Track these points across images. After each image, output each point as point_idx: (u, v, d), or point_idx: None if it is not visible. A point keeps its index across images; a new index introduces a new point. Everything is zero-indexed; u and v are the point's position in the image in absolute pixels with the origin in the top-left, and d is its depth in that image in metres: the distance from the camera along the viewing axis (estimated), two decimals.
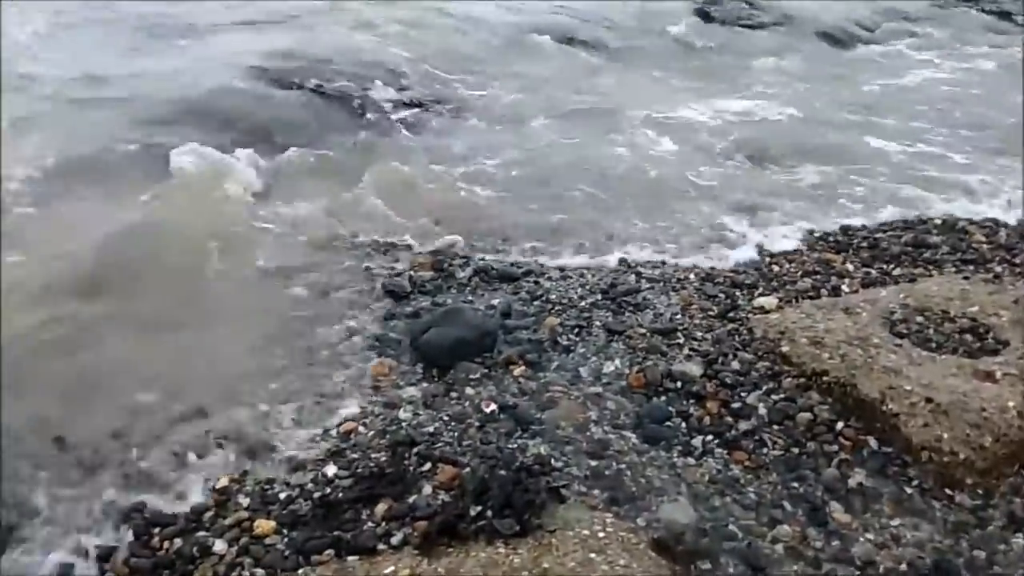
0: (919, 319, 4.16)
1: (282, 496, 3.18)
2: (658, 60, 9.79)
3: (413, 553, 2.83)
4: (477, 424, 3.55)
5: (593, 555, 2.73)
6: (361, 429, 3.54)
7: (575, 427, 3.55)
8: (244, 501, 3.16)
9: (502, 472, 3.14)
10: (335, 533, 2.97)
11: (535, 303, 4.53)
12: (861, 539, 3.05)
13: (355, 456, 3.37)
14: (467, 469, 3.24)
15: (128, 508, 3.11)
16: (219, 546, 2.94)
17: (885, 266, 5.01)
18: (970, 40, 11.49)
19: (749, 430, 3.57)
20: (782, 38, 11.08)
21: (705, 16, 11.76)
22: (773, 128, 7.51)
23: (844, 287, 4.73)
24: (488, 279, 4.78)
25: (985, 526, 3.14)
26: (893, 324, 4.11)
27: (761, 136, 7.23)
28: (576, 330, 4.28)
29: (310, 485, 3.22)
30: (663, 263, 5.09)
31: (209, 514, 3.10)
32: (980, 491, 3.27)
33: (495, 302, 4.51)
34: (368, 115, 7.14)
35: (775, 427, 3.59)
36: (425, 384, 3.86)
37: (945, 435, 3.36)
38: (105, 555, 2.93)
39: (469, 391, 3.79)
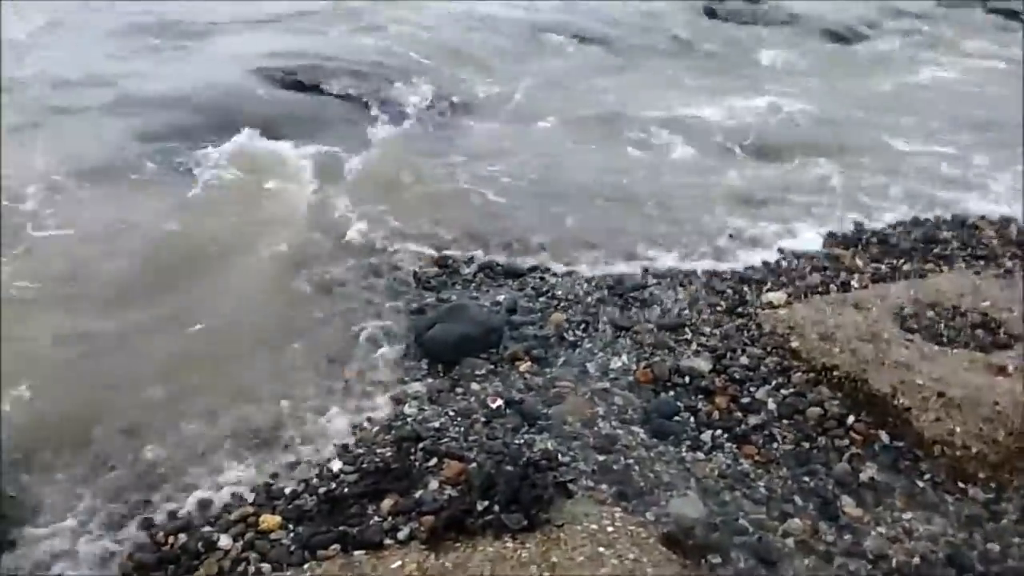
0: (930, 314, 4.12)
1: (287, 491, 3.15)
2: (668, 57, 9.76)
3: (420, 548, 2.80)
4: (483, 419, 3.52)
5: (602, 549, 2.70)
6: (366, 424, 3.52)
7: (582, 422, 3.52)
8: (249, 496, 3.13)
9: (509, 467, 3.11)
10: (341, 528, 2.94)
11: (541, 299, 4.50)
12: (873, 533, 3.02)
13: (360, 451, 3.34)
14: (473, 464, 3.21)
15: (135, 503, 3.09)
16: (224, 541, 2.92)
17: (895, 261, 4.97)
18: (977, 39, 11.43)
19: (759, 425, 3.54)
20: (788, 36, 11.04)
21: (711, 13, 11.75)
22: (789, 128, 7.46)
23: (854, 283, 4.69)
24: (493, 275, 4.75)
25: (998, 519, 3.10)
26: (904, 319, 4.08)
27: (777, 136, 7.17)
28: (582, 326, 4.25)
29: (315, 480, 3.20)
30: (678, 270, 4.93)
31: (215, 509, 3.08)
32: (993, 485, 3.24)
33: (500, 298, 4.48)
34: (377, 114, 7.12)
35: (785, 422, 3.56)
36: (430, 380, 3.84)
37: (958, 429, 3.32)
38: (111, 550, 2.91)
39: (475, 387, 3.76)
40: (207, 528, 2.99)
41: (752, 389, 3.74)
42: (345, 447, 3.38)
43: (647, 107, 7.68)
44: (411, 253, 4.92)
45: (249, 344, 4.02)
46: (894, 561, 2.90)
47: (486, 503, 2.91)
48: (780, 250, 5.14)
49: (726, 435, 3.49)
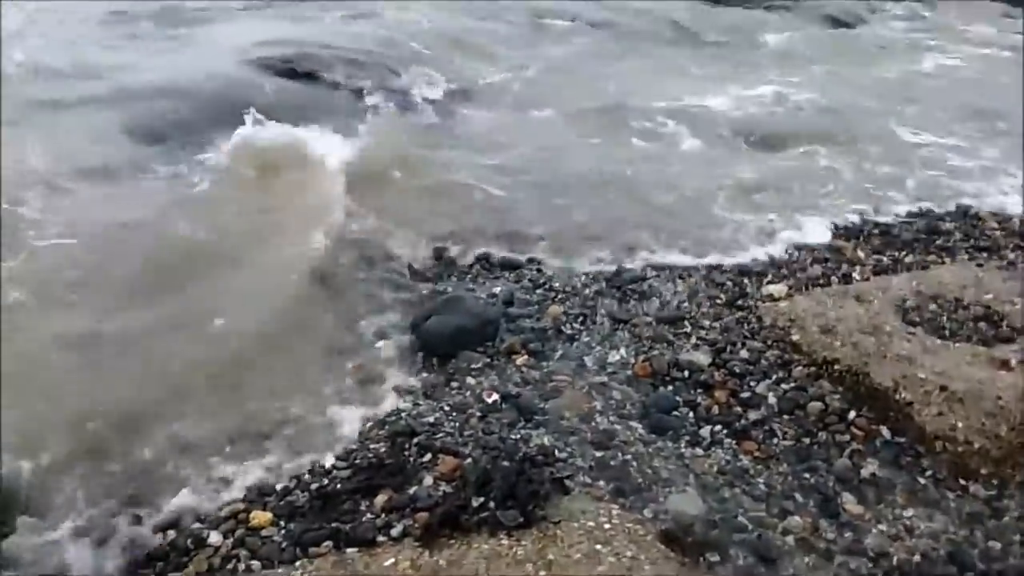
0: (932, 307, 4.07)
1: (279, 487, 3.11)
2: (669, 44, 9.68)
3: (414, 545, 2.75)
4: (479, 414, 3.47)
5: (599, 546, 2.65)
6: (369, 421, 3.47)
7: (580, 417, 3.47)
8: (240, 493, 3.09)
9: (505, 463, 3.06)
10: (333, 525, 2.90)
11: (538, 291, 4.45)
12: (874, 530, 2.97)
13: (353, 447, 3.30)
14: (469, 460, 3.16)
15: (126, 500, 3.04)
16: (214, 538, 2.87)
17: (897, 253, 4.92)
18: (979, 25, 11.34)
19: (759, 420, 3.49)
20: (789, 20, 10.96)
21: None
22: (794, 117, 7.39)
23: (855, 274, 4.64)
24: (490, 266, 4.70)
25: (1000, 516, 3.06)
26: (906, 312, 4.02)
27: (783, 126, 7.09)
28: (580, 319, 4.20)
29: (307, 476, 3.15)
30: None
31: (205, 505, 3.03)
32: (995, 481, 3.18)
33: (497, 290, 4.42)
34: (375, 103, 7.04)
35: (785, 417, 3.51)
36: (425, 373, 3.79)
37: (960, 424, 3.27)
38: (101, 547, 2.86)
39: (470, 380, 3.71)
40: (197, 525, 2.94)
41: (752, 383, 3.69)
42: (339, 442, 3.33)
43: (650, 96, 7.60)
44: (407, 244, 4.86)
45: (247, 340, 3.95)
46: (895, 559, 2.85)
47: (481, 499, 2.86)
48: (795, 245, 5.05)
49: (725, 430, 3.44)
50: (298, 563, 2.73)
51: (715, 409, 3.55)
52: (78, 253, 4.52)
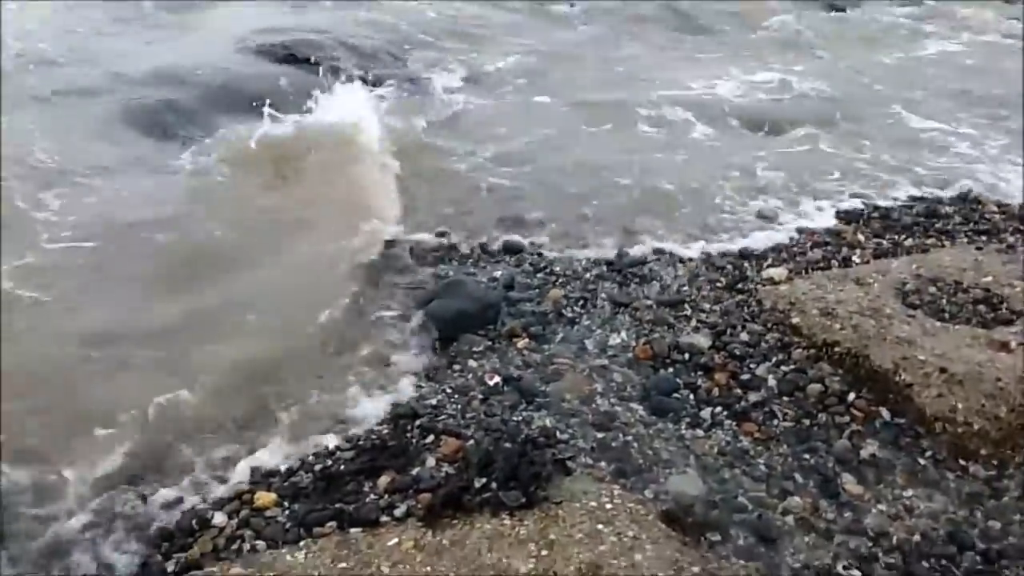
0: (932, 289, 4.08)
1: (283, 468, 3.12)
2: (673, 28, 9.60)
3: (417, 525, 2.77)
4: (481, 396, 3.49)
5: (601, 526, 2.67)
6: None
7: (581, 399, 3.49)
8: (245, 474, 3.10)
9: (507, 444, 3.07)
10: (337, 505, 2.91)
11: (539, 275, 4.46)
12: (874, 510, 2.99)
13: (356, 429, 3.31)
14: (471, 442, 3.18)
15: (131, 481, 3.06)
16: (219, 518, 2.89)
17: (896, 237, 4.92)
18: (979, 11, 11.27)
19: (759, 402, 3.51)
20: (787, 4, 10.87)
21: None
22: (799, 103, 7.34)
23: (855, 258, 4.64)
24: (491, 251, 4.70)
25: (1000, 497, 3.08)
26: (905, 295, 4.03)
27: (787, 111, 7.06)
28: (581, 302, 4.21)
29: (311, 457, 3.17)
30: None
31: (210, 486, 3.05)
32: (994, 462, 3.20)
33: (498, 274, 4.43)
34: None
35: (785, 398, 3.53)
36: (427, 357, 3.79)
37: (960, 405, 3.29)
38: (106, 531, 2.87)
39: (472, 363, 3.73)
40: (201, 505, 2.96)
41: (752, 366, 3.71)
42: (342, 424, 3.35)
43: (654, 81, 7.58)
44: (410, 229, 4.86)
45: (251, 324, 3.96)
46: (895, 538, 2.88)
47: (484, 480, 2.88)
48: (798, 229, 5.04)
49: (726, 412, 3.45)
50: (302, 543, 2.75)
51: (715, 391, 3.57)
52: (96, 252, 4.46)
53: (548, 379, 3.61)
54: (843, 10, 10.89)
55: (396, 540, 2.70)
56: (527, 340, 3.89)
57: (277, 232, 4.74)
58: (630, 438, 3.27)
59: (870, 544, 2.86)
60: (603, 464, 3.11)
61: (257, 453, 3.21)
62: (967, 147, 6.47)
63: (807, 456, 3.24)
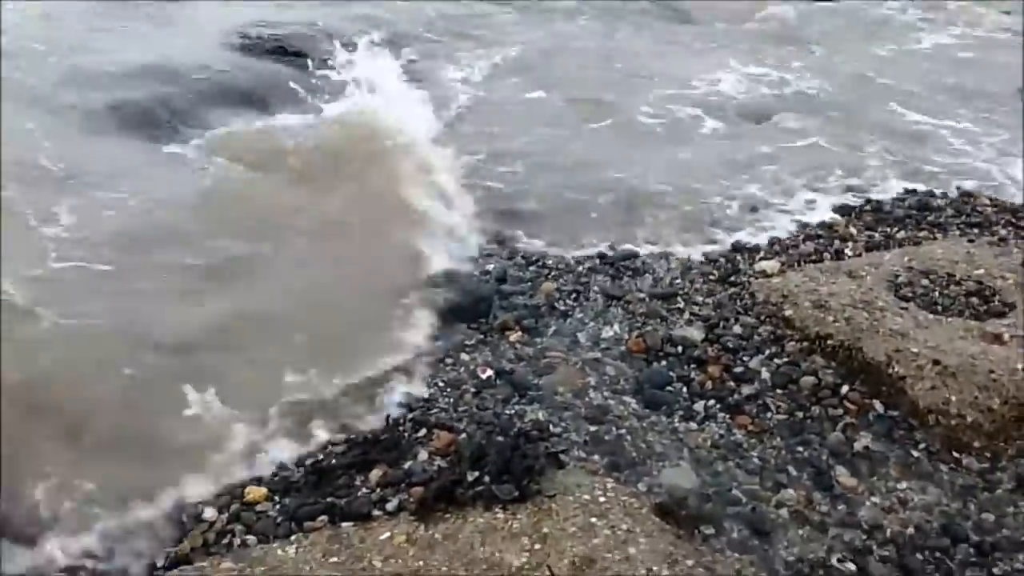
0: (924, 282, 4.07)
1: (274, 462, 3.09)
2: (669, 20, 9.52)
3: (409, 519, 2.75)
4: (473, 390, 3.47)
5: (594, 520, 2.66)
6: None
7: (574, 392, 3.48)
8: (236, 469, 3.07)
9: (499, 438, 3.06)
10: (328, 499, 2.89)
11: (531, 268, 4.44)
12: (868, 503, 2.99)
13: (348, 423, 3.28)
14: (464, 435, 3.16)
15: (121, 475, 3.02)
16: (209, 513, 2.86)
17: (889, 229, 4.91)
18: (972, 4, 11.26)
19: (752, 394, 3.50)
20: None
21: None
22: (794, 96, 7.30)
23: (847, 251, 4.63)
24: (484, 243, 4.66)
25: (993, 489, 3.08)
26: (898, 287, 4.03)
27: (781, 105, 7.02)
28: (574, 295, 4.19)
29: (302, 451, 3.14)
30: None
31: (200, 481, 3.01)
32: (988, 454, 3.21)
33: (490, 267, 4.41)
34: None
35: (778, 391, 3.52)
36: (420, 350, 3.76)
37: (953, 398, 3.29)
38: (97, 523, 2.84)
39: (464, 357, 3.71)
40: (192, 500, 2.93)
41: (745, 358, 3.70)
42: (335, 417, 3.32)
43: (655, 75, 7.52)
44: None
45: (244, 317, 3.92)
46: (888, 531, 2.87)
47: (476, 474, 2.86)
48: (791, 222, 5.03)
49: (719, 405, 3.45)
50: (293, 537, 2.73)
51: (709, 384, 3.56)
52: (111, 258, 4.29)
53: (541, 372, 3.60)
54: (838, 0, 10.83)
55: (388, 534, 2.68)
56: (520, 333, 3.87)
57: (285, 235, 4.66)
58: (623, 431, 3.25)
59: (864, 537, 2.85)
60: (596, 457, 3.10)
61: (252, 448, 3.17)
62: (962, 143, 6.46)
63: (801, 449, 3.23)
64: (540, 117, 6.59)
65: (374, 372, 3.59)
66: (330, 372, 3.54)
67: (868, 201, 5.31)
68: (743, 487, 3.03)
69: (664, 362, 3.70)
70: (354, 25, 8.25)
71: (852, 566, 2.73)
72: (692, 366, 3.67)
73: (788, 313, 3.90)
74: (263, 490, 2.95)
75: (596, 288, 4.25)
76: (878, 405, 3.41)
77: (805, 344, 3.74)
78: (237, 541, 2.75)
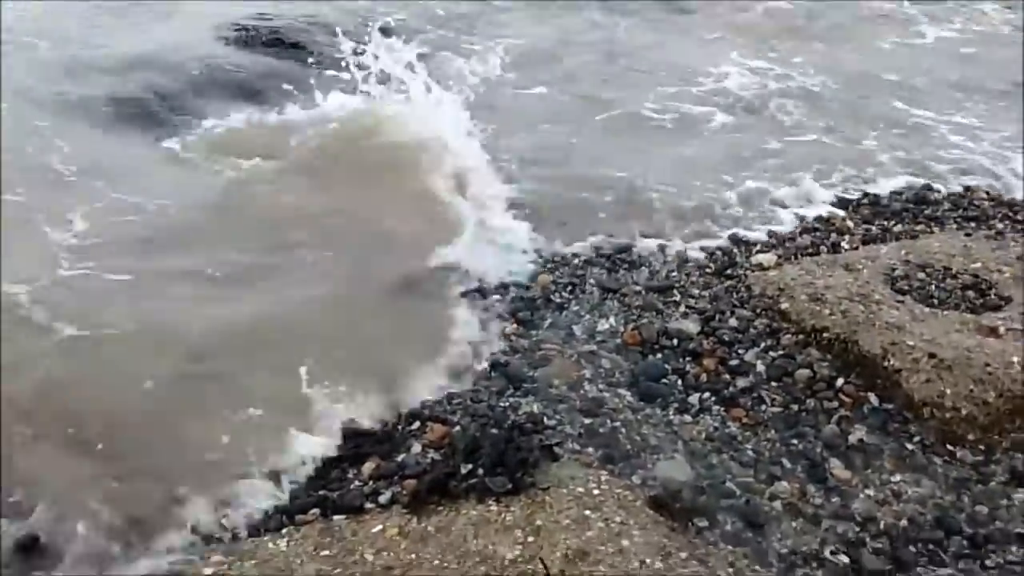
0: (921, 275, 4.06)
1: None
2: (670, 11, 9.48)
3: (402, 512, 2.75)
4: None
5: (588, 512, 2.65)
6: None
7: (568, 385, 3.47)
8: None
9: (494, 430, 3.05)
10: (321, 492, 2.89)
11: (528, 260, 4.41)
12: (861, 495, 2.99)
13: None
14: (457, 428, 3.15)
15: (120, 469, 3.01)
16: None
17: (886, 223, 4.89)
18: None
19: (747, 387, 3.49)
20: None
21: None
22: (796, 90, 7.26)
23: (844, 244, 4.62)
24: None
25: (987, 482, 3.08)
26: (894, 280, 4.02)
27: (783, 98, 6.98)
28: (569, 288, 4.18)
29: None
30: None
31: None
32: (982, 447, 3.21)
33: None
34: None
35: (774, 384, 3.51)
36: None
37: (948, 391, 3.29)
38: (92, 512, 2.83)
39: None
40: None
41: (741, 351, 3.69)
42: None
43: (658, 69, 7.48)
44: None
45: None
46: (882, 523, 2.87)
47: (470, 466, 2.85)
48: (801, 217, 5.00)
49: (714, 398, 3.44)
50: (284, 531, 2.73)
51: (704, 377, 3.55)
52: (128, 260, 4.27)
53: (536, 364, 3.59)
54: None
55: (380, 527, 2.68)
56: (515, 325, 3.86)
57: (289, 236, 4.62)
58: (618, 424, 3.25)
59: (858, 529, 2.85)
60: (591, 450, 3.10)
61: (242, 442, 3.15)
62: (964, 138, 6.42)
63: (795, 441, 3.23)
64: (543, 111, 6.54)
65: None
66: (346, 378, 3.49)
67: (866, 195, 5.28)
68: (737, 480, 3.03)
69: (659, 355, 3.69)
70: (355, 18, 8.20)
71: (845, 558, 2.73)
72: (687, 359, 3.66)
73: (784, 306, 3.89)
74: None
75: (592, 281, 4.23)
76: (873, 398, 3.41)
77: (801, 337, 3.73)
78: (228, 534, 2.74)
